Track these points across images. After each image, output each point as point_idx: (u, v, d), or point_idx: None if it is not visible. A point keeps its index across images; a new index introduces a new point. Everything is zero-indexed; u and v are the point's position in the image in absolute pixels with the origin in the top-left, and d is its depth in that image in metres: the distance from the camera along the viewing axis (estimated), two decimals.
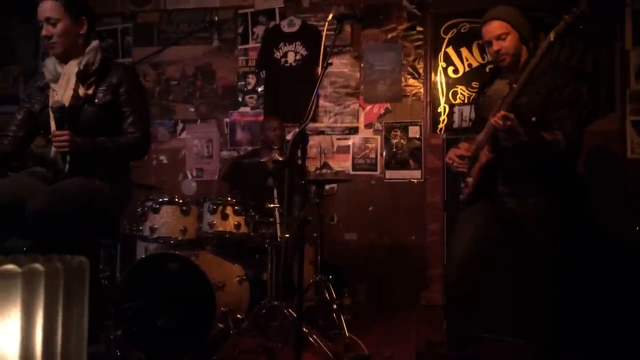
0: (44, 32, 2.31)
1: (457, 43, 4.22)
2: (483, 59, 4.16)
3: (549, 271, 2.25)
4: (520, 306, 2.39)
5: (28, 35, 4.80)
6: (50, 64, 2.39)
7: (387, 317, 3.75)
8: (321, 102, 4.41)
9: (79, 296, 0.82)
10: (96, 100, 2.33)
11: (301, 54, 4.46)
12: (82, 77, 2.33)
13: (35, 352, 0.75)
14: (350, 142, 4.39)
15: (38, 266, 0.77)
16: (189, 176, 4.62)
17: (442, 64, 4.26)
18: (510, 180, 2.34)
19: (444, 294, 3.11)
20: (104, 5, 4.64)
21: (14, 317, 0.75)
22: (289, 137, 4.19)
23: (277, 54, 4.49)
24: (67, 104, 2.27)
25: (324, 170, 4.36)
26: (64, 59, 2.37)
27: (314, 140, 4.32)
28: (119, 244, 2.95)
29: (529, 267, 2.30)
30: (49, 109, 2.28)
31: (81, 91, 2.31)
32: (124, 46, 4.75)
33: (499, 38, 2.31)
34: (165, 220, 2.92)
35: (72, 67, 2.34)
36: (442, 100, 4.25)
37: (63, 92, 2.32)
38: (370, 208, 4.29)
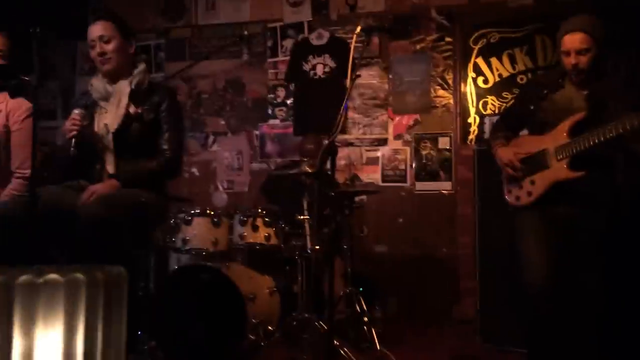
0: (97, 49, 2.42)
1: (487, 53, 4.19)
2: (514, 68, 4.11)
3: (602, 284, 2.19)
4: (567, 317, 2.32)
5: (66, 52, 4.96)
6: (98, 84, 2.49)
7: (418, 331, 3.70)
8: (350, 113, 4.41)
9: (118, 305, 0.84)
10: (142, 119, 2.43)
11: (330, 66, 4.49)
12: (134, 97, 2.43)
13: (76, 358, 0.77)
14: (379, 154, 4.38)
15: (79, 276, 0.79)
16: (220, 188, 4.67)
17: (471, 74, 4.23)
18: (578, 192, 2.28)
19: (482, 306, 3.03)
20: (138, 21, 4.75)
21: (57, 324, 0.77)
22: None
23: (306, 67, 4.53)
24: (119, 121, 2.38)
25: (353, 182, 4.35)
26: (113, 78, 2.47)
27: (343, 152, 4.32)
28: (153, 255, 3.00)
29: (583, 278, 2.24)
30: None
31: (132, 109, 2.41)
32: (157, 61, 4.86)
33: (579, 52, 2.25)
34: (197, 232, 2.95)
35: (124, 87, 2.45)
36: (473, 111, 4.21)
37: (115, 110, 2.42)
38: (400, 220, 4.26)
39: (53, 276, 0.77)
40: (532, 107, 2.46)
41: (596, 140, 2.17)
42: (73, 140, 2.30)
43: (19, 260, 2.10)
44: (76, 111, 2.35)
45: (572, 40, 2.26)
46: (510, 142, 2.52)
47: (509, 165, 2.44)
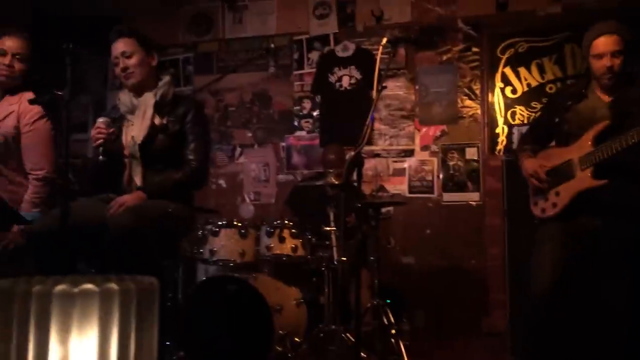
0: (121, 65, 2.48)
1: (515, 63, 4.15)
2: (543, 78, 4.06)
3: (628, 296, 2.14)
4: (592, 331, 2.28)
5: (97, 67, 5.09)
6: (125, 97, 2.56)
7: (447, 344, 3.65)
8: (376, 125, 4.41)
9: (150, 315, 0.85)
10: (168, 130, 2.47)
11: (356, 78, 4.50)
12: (158, 108, 2.48)
13: None
14: (406, 165, 4.36)
15: (113, 285, 0.80)
16: (247, 200, 4.70)
17: (499, 84, 4.19)
18: (603, 202, 2.25)
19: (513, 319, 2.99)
20: (167, 37, 4.86)
21: (91, 332, 0.78)
22: None
23: (332, 79, 4.55)
24: (144, 133, 2.42)
25: (379, 193, 4.34)
26: (138, 92, 2.53)
27: (369, 163, 4.32)
28: (181, 266, 3.03)
29: (608, 291, 2.19)
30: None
31: (157, 120, 2.46)
32: (186, 75, 4.94)
33: (614, 54, 2.25)
34: (224, 243, 2.97)
35: (148, 99, 2.50)
36: (501, 121, 4.17)
37: (140, 121, 2.47)
38: (428, 231, 4.23)
39: (88, 286, 0.79)
40: (557, 120, 2.46)
41: (619, 147, 2.15)
42: (101, 148, 2.36)
43: (49, 273, 2.15)
44: (100, 119, 2.41)
45: (607, 43, 2.27)
46: (538, 154, 2.50)
47: (534, 176, 2.43)
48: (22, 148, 2.65)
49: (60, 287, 0.78)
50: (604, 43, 2.27)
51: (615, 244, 2.21)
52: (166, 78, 2.60)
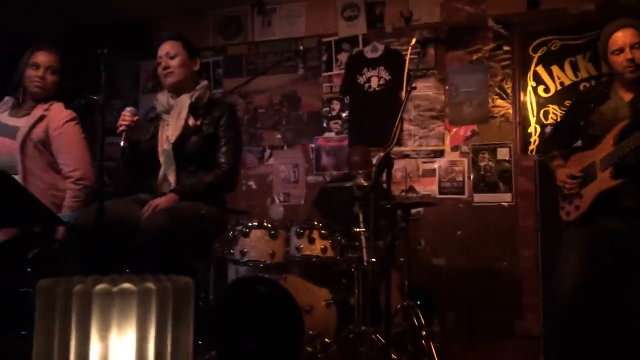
0: (163, 64, 2.57)
1: (548, 61, 4.07)
2: (576, 76, 3.98)
3: None
4: (620, 336, 2.23)
5: (129, 72, 5.19)
6: (163, 98, 2.63)
7: (479, 347, 3.61)
8: (405, 125, 4.39)
9: (185, 314, 0.87)
10: (202, 132, 2.52)
11: (385, 79, 4.49)
12: (193, 109, 2.55)
13: None
14: (436, 165, 4.32)
15: (150, 285, 0.83)
16: (277, 201, 4.74)
17: (531, 83, 4.12)
18: (622, 201, 2.21)
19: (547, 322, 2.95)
20: (197, 40, 4.90)
21: (130, 331, 0.81)
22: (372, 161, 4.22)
23: (361, 80, 4.55)
24: (178, 132, 2.49)
25: (409, 194, 4.32)
26: (176, 93, 2.60)
27: (398, 164, 4.30)
28: (212, 267, 3.07)
29: (635, 296, 2.15)
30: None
31: (190, 121, 2.53)
32: (215, 78, 5.01)
33: (633, 47, 2.24)
34: (255, 244, 3.00)
35: (184, 100, 2.57)
36: (533, 120, 4.10)
37: (175, 121, 2.54)
38: (459, 232, 4.19)
39: (127, 285, 0.81)
40: (582, 122, 2.45)
41: (633, 145, 2.12)
42: (123, 134, 2.41)
43: (87, 268, 2.21)
44: (128, 108, 2.47)
45: (625, 35, 2.27)
46: (569, 160, 2.49)
47: (561, 183, 2.44)
48: (55, 153, 2.71)
49: (100, 287, 0.80)
50: (622, 36, 2.27)
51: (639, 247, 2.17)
52: (204, 82, 2.69)
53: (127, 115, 2.44)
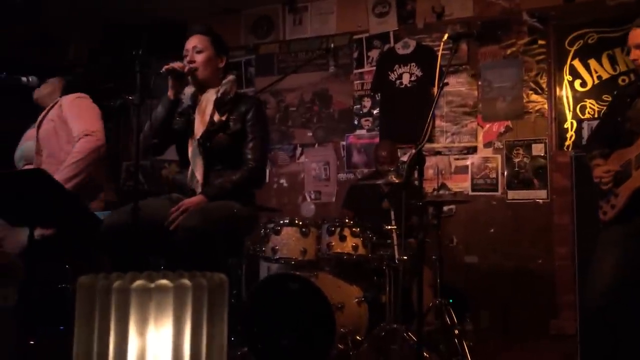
0: (188, 58, 2.55)
1: (585, 55, 3.97)
2: (614, 70, 3.87)
3: None
4: None
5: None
6: (189, 92, 2.63)
7: (513, 346, 3.56)
8: (437, 122, 4.35)
9: (220, 310, 0.89)
10: (228, 128, 2.52)
11: (416, 75, 4.45)
12: (219, 105, 2.54)
13: (184, 355, 0.83)
14: (468, 162, 4.27)
15: (186, 281, 0.85)
16: (308, 198, 4.75)
17: (567, 77, 4.03)
18: None
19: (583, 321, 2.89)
20: (229, 39, 4.95)
21: (166, 326, 0.83)
22: (403, 158, 4.19)
23: (392, 76, 4.52)
24: (204, 128, 2.49)
25: (441, 191, 4.28)
26: (202, 89, 2.59)
27: (430, 161, 4.27)
28: (244, 264, 3.11)
29: None
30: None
31: (216, 117, 2.52)
32: (247, 77, 5.05)
33: None
34: (286, 242, 3.02)
35: (210, 95, 2.56)
36: (569, 115, 4.01)
37: (200, 117, 2.54)
38: (492, 230, 4.13)
39: (163, 282, 0.84)
40: (619, 119, 2.38)
41: None
42: (165, 69, 2.45)
43: (122, 265, 2.26)
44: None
45: None
46: (609, 158, 2.42)
47: (597, 179, 2.40)
48: (68, 121, 2.79)
49: (138, 283, 0.83)
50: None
51: None
52: (230, 77, 2.63)
53: (176, 62, 2.47)
